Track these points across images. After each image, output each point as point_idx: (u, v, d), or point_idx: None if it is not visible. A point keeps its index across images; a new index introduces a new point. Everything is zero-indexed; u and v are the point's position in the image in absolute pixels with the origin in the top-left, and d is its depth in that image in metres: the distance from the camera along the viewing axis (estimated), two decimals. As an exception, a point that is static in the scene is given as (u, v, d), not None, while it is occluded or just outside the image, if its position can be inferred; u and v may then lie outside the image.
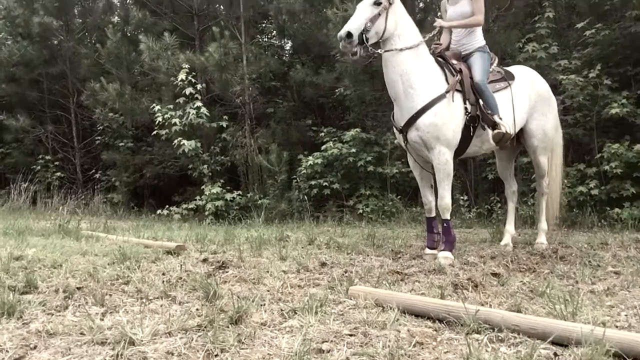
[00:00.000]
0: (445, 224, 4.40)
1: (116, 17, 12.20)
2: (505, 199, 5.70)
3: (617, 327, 2.44)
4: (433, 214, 4.64)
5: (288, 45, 11.84)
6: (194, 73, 9.63)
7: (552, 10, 8.37)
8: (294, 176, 9.15)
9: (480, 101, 4.44)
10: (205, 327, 2.41)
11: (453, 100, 4.31)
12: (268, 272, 3.71)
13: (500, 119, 4.42)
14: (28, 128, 12.37)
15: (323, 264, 4.03)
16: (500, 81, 4.74)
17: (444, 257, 4.19)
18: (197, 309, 2.73)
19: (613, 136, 7.48)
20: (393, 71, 4.34)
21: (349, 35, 4.10)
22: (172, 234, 6.19)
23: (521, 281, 3.45)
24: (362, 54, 4.24)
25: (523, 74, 5.04)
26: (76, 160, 12.60)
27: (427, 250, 4.52)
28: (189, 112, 9.28)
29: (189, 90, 9.38)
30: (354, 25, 4.14)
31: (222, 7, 11.62)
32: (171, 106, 9.51)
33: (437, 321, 2.52)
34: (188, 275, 3.53)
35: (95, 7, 12.60)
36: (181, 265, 3.88)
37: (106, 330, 2.32)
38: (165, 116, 9.34)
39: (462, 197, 8.10)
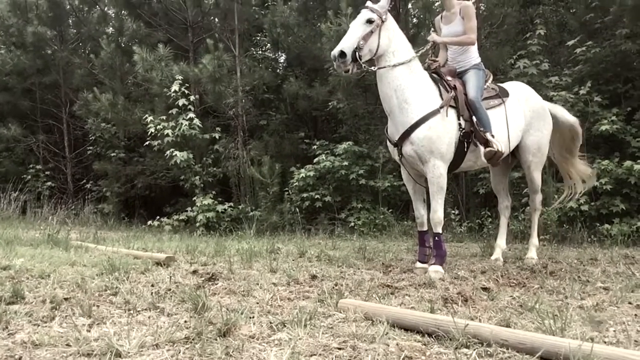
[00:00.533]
0: (436, 238, 4.40)
1: (110, 28, 12.22)
2: (497, 213, 5.72)
3: (605, 342, 2.44)
4: (425, 228, 4.65)
5: (282, 58, 11.89)
6: (187, 84, 9.65)
7: (544, 27, 8.49)
8: (286, 188, 9.15)
9: (474, 118, 4.47)
10: (193, 339, 2.39)
11: (447, 116, 4.35)
12: (258, 284, 3.69)
13: (493, 136, 4.44)
14: (19, 137, 12.32)
15: (313, 277, 4.02)
16: (494, 98, 4.77)
17: (435, 270, 4.18)
18: (185, 321, 2.71)
19: (603, 153, 7.55)
20: (388, 86, 4.38)
21: (342, 54, 4.14)
22: (163, 245, 6.16)
23: (511, 296, 3.45)
24: (356, 71, 4.31)
25: (518, 90, 5.07)
26: (67, 170, 12.54)
27: (418, 264, 4.52)
28: (182, 123, 9.28)
29: (182, 102, 9.39)
30: (346, 44, 4.17)
31: (216, 19, 11.67)
32: (164, 117, 9.50)
33: (426, 335, 2.52)
34: (177, 287, 3.51)
35: (89, 17, 12.62)
36: (170, 276, 3.86)
37: (92, 342, 2.30)
38: (158, 127, 9.33)
39: (453, 211, 8.11)
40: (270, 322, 2.69)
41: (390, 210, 8.46)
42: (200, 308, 2.87)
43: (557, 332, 2.51)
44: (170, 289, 3.44)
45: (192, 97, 9.58)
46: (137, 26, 10.92)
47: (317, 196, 8.65)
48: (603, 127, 7.14)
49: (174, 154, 9.15)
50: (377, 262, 4.88)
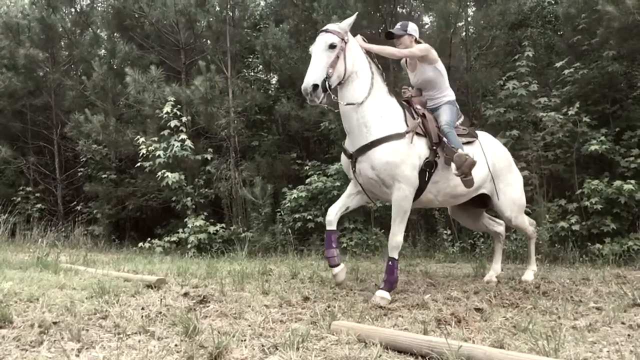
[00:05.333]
0: (390, 262, 4.21)
1: (103, 50, 12.24)
2: (489, 233, 5.73)
3: (599, 363, 2.44)
4: (333, 227, 4.35)
5: (274, 80, 11.96)
6: (179, 106, 9.65)
7: (532, 49, 8.62)
8: (278, 209, 9.13)
9: (444, 139, 4.37)
10: (184, 363, 2.36)
11: (412, 142, 4.19)
12: (250, 306, 3.66)
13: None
14: (10, 159, 12.22)
15: (306, 299, 3.99)
16: (465, 136, 4.71)
17: (381, 296, 3.98)
18: (176, 345, 2.68)
19: (593, 172, 7.62)
20: (350, 107, 4.20)
21: (315, 87, 3.92)
22: (154, 267, 6.10)
23: (504, 316, 3.44)
24: (325, 102, 4.09)
25: (485, 140, 4.97)
26: (58, 191, 12.44)
27: (334, 270, 4.32)
28: (174, 145, 9.27)
29: (174, 123, 9.39)
30: (315, 75, 3.94)
31: (209, 41, 11.74)
32: (156, 138, 9.49)
33: (420, 357, 2.50)
34: (168, 310, 3.47)
35: (82, 40, 12.64)
36: (161, 299, 3.81)
37: (81, 367, 2.26)
38: (150, 148, 9.32)
39: (445, 232, 8.12)
40: (263, 345, 2.66)
41: (382, 231, 8.45)
42: (191, 331, 2.83)
43: (550, 353, 2.51)
44: (160, 312, 3.41)
45: (184, 119, 9.59)
46: (130, 48, 10.96)
47: (309, 217, 8.63)
48: (592, 147, 7.22)
49: (165, 175, 9.12)
50: (369, 283, 4.86)
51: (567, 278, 5.14)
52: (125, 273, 5.22)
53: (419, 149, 4.27)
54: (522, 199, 5.16)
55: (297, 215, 8.72)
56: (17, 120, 12.83)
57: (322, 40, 4.06)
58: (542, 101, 8.00)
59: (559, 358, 2.45)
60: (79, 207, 11.76)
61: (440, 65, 4.70)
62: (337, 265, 4.30)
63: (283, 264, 6.61)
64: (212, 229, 9.03)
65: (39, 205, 11.92)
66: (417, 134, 4.27)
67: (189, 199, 9.37)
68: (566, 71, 7.99)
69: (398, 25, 4.73)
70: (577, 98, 7.92)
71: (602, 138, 7.35)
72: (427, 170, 4.32)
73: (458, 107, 4.82)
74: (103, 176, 11.29)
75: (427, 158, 4.30)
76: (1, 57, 12.53)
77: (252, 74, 12.08)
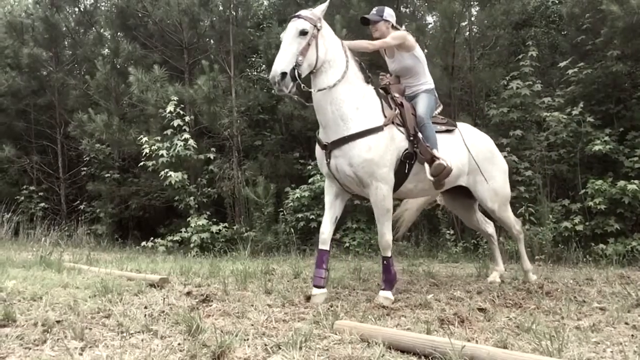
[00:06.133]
0: (385, 262, 4.13)
1: (106, 50, 12.26)
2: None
3: (603, 363, 2.43)
4: (326, 247, 4.21)
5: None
6: (182, 105, 9.68)
7: (536, 49, 8.61)
8: (281, 209, 9.13)
9: (420, 135, 4.21)
10: (186, 362, 2.35)
11: (390, 136, 4.04)
12: (252, 305, 3.66)
13: (438, 152, 4.19)
14: (13, 158, 12.26)
15: (308, 298, 3.98)
16: (445, 125, 4.59)
17: (384, 297, 3.94)
18: (179, 344, 2.68)
19: (596, 172, 7.60)
20: (322, 98, 4.00)
21: (284, 75, 3.71)
22: (156, 266, 6.11)
23: (507, 317, 3.43)
24: (295, 92, 3.86)
25: (466, 130, 4.85)
26: (61, 191, 12.47)
27: (315, 290, 4.00)
28: (177, 144, 9.28)
29: (177, 122, 9.40)
30: (284, 63, 3.73)
31: (212, 41, 11.76)
32: (159, 138, 9.51)
33: (423, 357, 2.49)
34: (171, 309, 3.47)
35: (85, 39, 12.66)
36: (164, 298, 3.81)
37: (84, 366, 2.26)
38: (153, 147, 9.34)
39: (448, 232, 8.11)
40: (265, 345, 2.66)
41: (385, 231, 8.43)
42: (194, 330, 2.83)
43: (554, 353, 2.50)
44: (163, 311, 3.41)
45: (187, 118, 9.60)
46: (133, 48, 10.99)
47: (312, 216, 8.63)
48: (596, 147, 7.20)
49: (168, 174, 9.14)
50: (372, 283, 4.86)
51: (570, 278, 5.13)
52: (128, 272, 5.22)
53: (398, 142, 4.12)
54: (505, 189, 4.99)
55: (299, 215, 8.72)
56: (20, 120, 12.86)
57: (293, 27, 3.84)
58: (545, 101, 7.99)
59: (562, 358, 2.45)
60: (82, 206, 11.78)
61: (418, 52, 4.54)
62: (322, 287, 4.03)
63: (286, 263, 6.61)
64: (214, 228, 9.04)
65: (42, 204, 11.95)
66: (396, 124, 4.13)
67: (191, 198, 9.38)
68: (570, 71, 7.98)
69: (374, 11, 4.53)
70: (581, 98, 7.90)
71: (606, 138, 7.33)
72: (406, 162, 4.18)
73: (437, 95, 4.67)
74: (106, 175, 11.30)
75: (406, 149, 4.15)
76: (5, 56, 12.58)
77: (255, 73, 12.08)
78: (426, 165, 4.18)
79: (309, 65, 3.87)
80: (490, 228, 5.32)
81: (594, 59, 8.27)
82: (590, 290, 4.42)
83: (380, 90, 4.32)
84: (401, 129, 4.18)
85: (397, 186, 4.22)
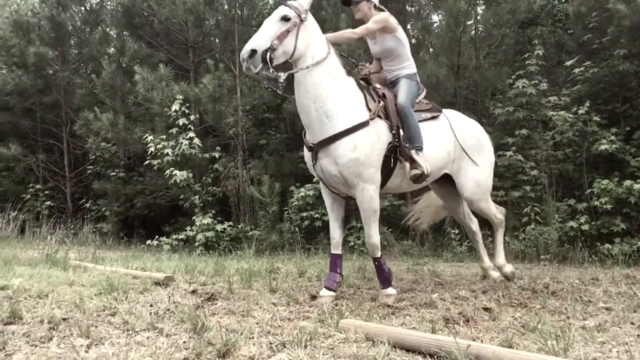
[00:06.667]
0: (376, 263, 4.09)
1: (112, 49, 12.32)
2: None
3: (609, 363, 2.42)
4: (339, 251, 4.20)
5: (282, 78, 11.95)
6: (187, 104, 9.71)
7: (542, 48, 8.58)
8: (286, 208, 9.13)
9: (401, 131, 4.08)
10: (192, 360, 2.36)
11: (376, 130, 3.93)
12: (257, 304, 3.66)
13: (418, 153, 4.08)
14: (19, 157, 12.32)
15: (313, 297, 3.98)
16: (426, 112, 4.42)
17: (386, 294, 3.95)
18: (184, 342, 2.69)
19: (602, 172, 7.57)
20: (306, 96, 3.91)
21: (253, 53, 3.65)
22: (162, 264, 6.13)
23: (513, 316, 3.42)
24: (265, 75, 3.74)
25: (453, 116, 4.69)
26: (67, 189, 12.52)
27: (324, 291, 3.98)
28: (182, 143, 9.31)
29: (182, 121, 9.43)
30: (257, 42, 3.67)
31: (217, 40, 11.77)
32: (164, 136, 9.54)
33: (428, 356, 2.49)
34: (176, 307, 3.48)
35: (91, 38, 12.71)
36: (169, 296, 3.82)
37: (90, 363, 2.27)
38: (158, 146, 9.36)
39: (453, 231, 8.09)
40: (270, 343, 2.66)
41: (389, 230, 8.43)
42: (199, 328, 2.84)
43: (559, 353, 2.49)
44: (169, 309, 3.42)
45: (192, 117, 9.63)
46: (139, 46, 11.02)
47: (316, 215, 8.63)
48: (602, 147, 7.17)
49: (173, 173, 9.16)
50: (377, 282, 4.84)
51: (576, 278, 5.11)
52: (133, 270, 5.25)
53: (383, 136, 4.00)
54: (487, 182, 4.78)
55: (304, 214, 8.72)
56: (26, 118, 12.93)
57: (277, 12, 3.82)
58: (551, 100, 7.96)
59: (568, 358, 2.44)
60: (87, 205, 11.83)
61: (401, 34, 4.40)
62: (333, 291, 4.01)
63: (290, 262, 6.62)
64: (219, 227, 9.06)
65: (48, 203, 12.01)
66: (380, 116, 4.02)
67: (196, 197, 9.41)
68: (576, 70, 7.95)
69: None
70: (587, 97, 7.87)
71: (612, 137, 7.30)
72: (391, 156, 4.06)
73: (418, 79, 4.52)
74: (112, 174, 11.35)
75: (390, 143, 4.02)
76: (11, 55, 12.64)
77: (261, 72, 12.07)
78: (406, 164, 4.09)
79: (284, 52, 3.78)
80: (474, 225, 5.11)
81: (600, 57, 8.23)
82: (596, 290, 4.40)
83: (362, 82, 4.19)
84: (385, 121, 4.07)
85: (383, 182, 4.12)
